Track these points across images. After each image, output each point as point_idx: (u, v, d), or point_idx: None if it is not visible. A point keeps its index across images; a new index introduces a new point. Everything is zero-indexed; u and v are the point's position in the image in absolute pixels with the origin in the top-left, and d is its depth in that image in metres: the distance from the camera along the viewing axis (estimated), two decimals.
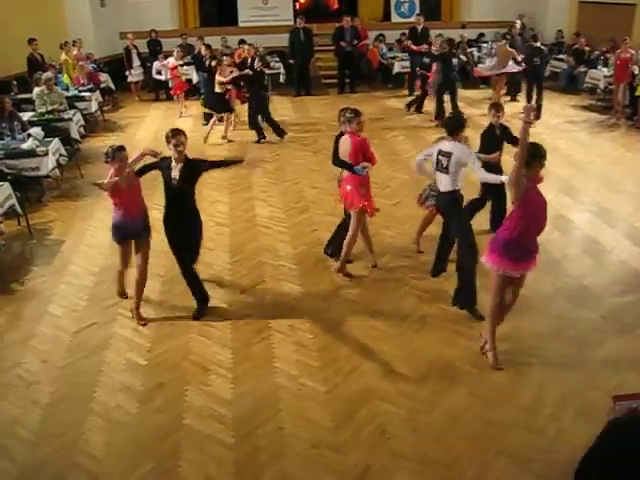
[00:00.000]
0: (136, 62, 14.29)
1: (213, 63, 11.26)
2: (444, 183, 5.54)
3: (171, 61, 13.10)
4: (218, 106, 11.17)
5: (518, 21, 14.09)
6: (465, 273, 5.56)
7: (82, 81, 12.32)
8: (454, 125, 5.57)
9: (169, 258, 6.77)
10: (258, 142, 10.90)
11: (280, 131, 11.04)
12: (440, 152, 5.48)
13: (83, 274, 6.57)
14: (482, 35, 16.01)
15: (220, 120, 11.28)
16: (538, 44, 12.11)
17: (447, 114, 11.03)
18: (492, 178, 5.65)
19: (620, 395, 3.42)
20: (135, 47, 14.22)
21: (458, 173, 5.49)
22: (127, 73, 14.21)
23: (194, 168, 5.32)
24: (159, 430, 4.35)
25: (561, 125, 11.93)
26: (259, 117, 11.13)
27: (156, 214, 8.00)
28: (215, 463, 4.06)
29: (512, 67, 12.61)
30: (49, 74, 10.49)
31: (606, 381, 4.68)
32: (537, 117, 11.60)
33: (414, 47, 13.19)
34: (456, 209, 5.66)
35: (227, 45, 14.75)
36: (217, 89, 10.96)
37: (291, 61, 14.38)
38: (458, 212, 5.67)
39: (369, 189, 6.05)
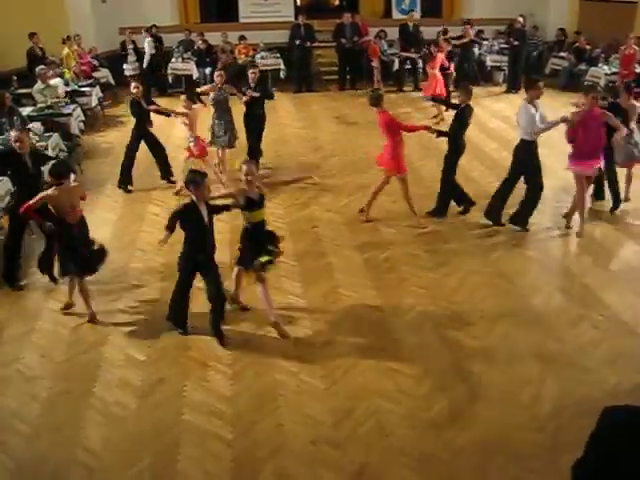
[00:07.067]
0: (132, 56, 14.21)
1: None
2: None
3: None
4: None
5: (521, 18, 14.04)
6: None
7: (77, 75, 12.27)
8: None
9: (168, 254, 6.80)
10: None
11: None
12: None
13: None
14: (481, 32, 15.85)
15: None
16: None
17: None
18: None
19: None
20: (133, 42, 14.15)
21: None
22: (124, 67, 14.10)
23: None
24: (158, 425, 4.35)
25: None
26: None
27: (156, 209, 8.05)
28: (214, 459, 4.06)
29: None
30: (40, 68, 10.41)
31: (605, 379, 4.69)
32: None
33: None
34: None
35: (227, 41, 14.70)
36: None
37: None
38: None
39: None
